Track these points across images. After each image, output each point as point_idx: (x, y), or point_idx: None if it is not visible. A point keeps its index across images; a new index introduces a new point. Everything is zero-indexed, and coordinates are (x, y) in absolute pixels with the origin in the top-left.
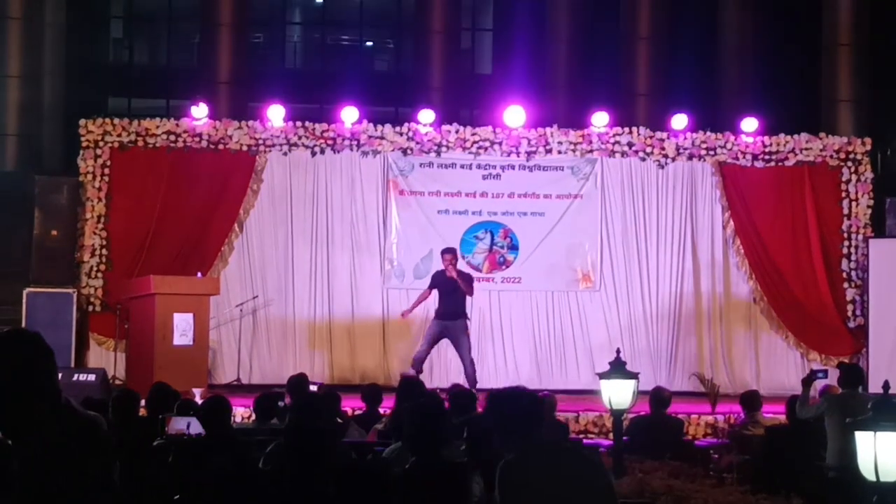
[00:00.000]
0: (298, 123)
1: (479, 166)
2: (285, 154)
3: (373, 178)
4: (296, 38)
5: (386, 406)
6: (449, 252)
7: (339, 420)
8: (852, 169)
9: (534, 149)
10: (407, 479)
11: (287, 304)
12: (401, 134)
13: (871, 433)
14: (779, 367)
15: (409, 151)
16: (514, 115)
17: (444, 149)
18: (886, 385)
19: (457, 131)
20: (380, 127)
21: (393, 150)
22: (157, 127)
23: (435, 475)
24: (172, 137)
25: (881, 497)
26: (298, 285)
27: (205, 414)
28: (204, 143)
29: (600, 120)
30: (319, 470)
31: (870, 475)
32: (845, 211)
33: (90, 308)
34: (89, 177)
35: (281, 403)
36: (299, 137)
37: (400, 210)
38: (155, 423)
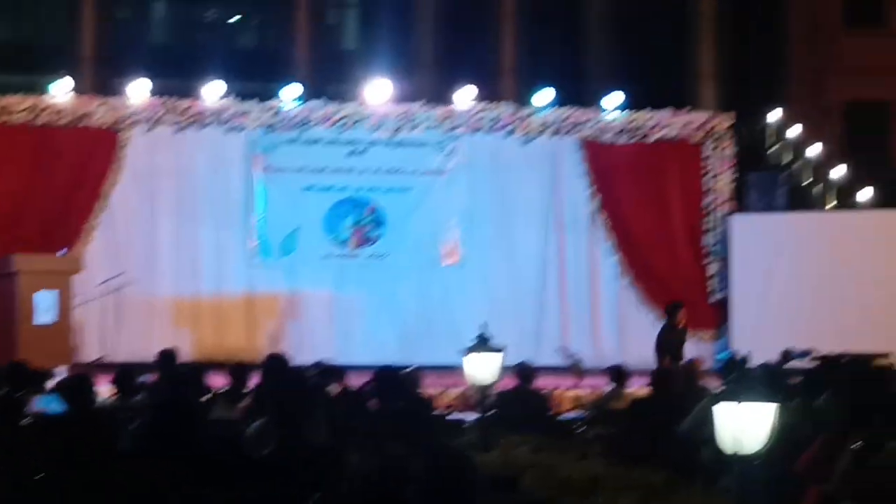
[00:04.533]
0: (163, 99)
1: (344, 142)
2: (149, 130)
3: (238, 155)
4: (161, 14)
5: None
6: None
7: (205, 396)
8: (714, 144)
9: (399, 125)
10: (271, 459)
11: (152, 282)
12: (266, 110)
13: (731, 405)
14: (644, 340)
15: (274, 128)
16: (380, 91)
17: (309, 125)
18: (786, 353)
19: (322, 108)
20: (245, 103)
21: (258, 127)
22: (18, 104)
23: (299, 455)
24: (34, 115)
25: (741, 468)
26: (163, 262)
27: (66, 392)
28: (66, 120)
29: (466, 96)
30: (187, 445)
31: (731, 446)
32: (707, 186)
33: None
34: None
35: (142, 379)
36: (163, 114)
37: (265, 186)
38: (14, 402)
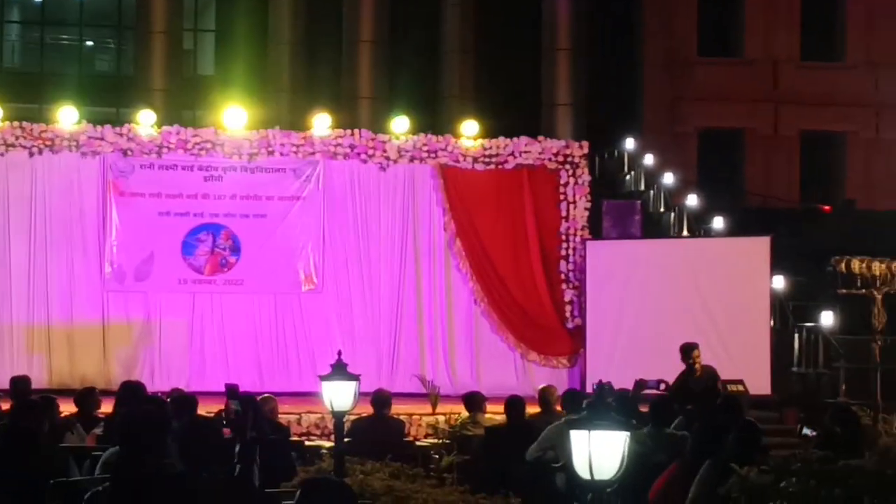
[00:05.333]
0: (16, 124)
1: (200, 168)
2: (2, 154)
3: (93, 180)
4: (14, 37)
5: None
6: None
7: (56, 424)
8: (570, 172)
9: (256, 151)
10: (115, 487)
11: (4, 307)
12: (121, 135)
13: (585, 432)
14: (499, 367)
15: (129, 153)
16: (236, 116)
17: (165, 150)
18: (599, 384)
19: (178, 133)
20: (99, 128)
21: (113, 152)
22: None
23: (151, 483)
24: None
25: (596, 495)
26: (16, 288)
27: None
28: None
29: (323, 122)
30: (31, 472)
31: (584, 473)
32: (563, 213)
33: None
34: None
35: None
36: (17, 138)
37: (120, 212)
38: None
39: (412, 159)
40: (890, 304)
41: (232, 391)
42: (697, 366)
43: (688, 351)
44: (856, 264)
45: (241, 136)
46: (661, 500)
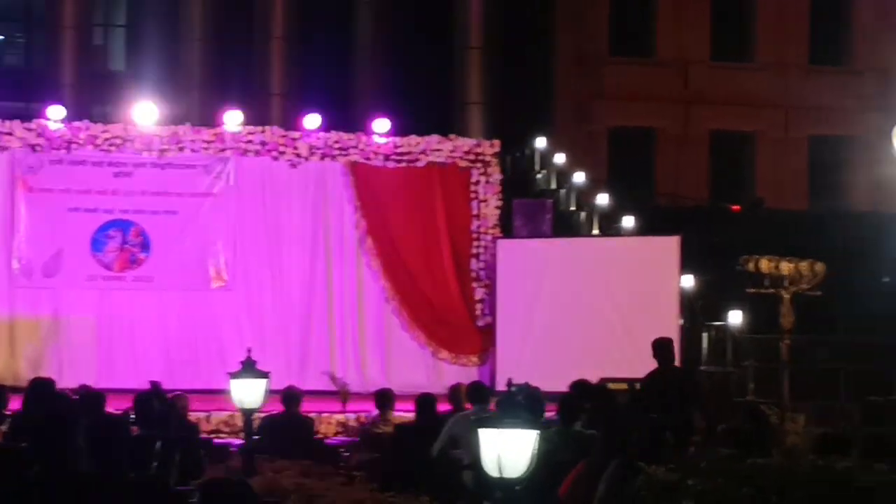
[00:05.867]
0: None
1: (110, 164)
2: None
3: (1, 175)
4: None
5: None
6: None
7: None
8: (481, 170)
9: (166, 147)
10: (35, 487)
11: None
12: (30, 130)
13: (494, 430)
14: (410, 365)
15: (38, 148)
16: (147, 112)
17: (74, 146)
18: (510, 383)
19: (87, 128)
20: (8, 122)
21: (22, 147)
22: None
23: (59, 481)
24: None
25: (504, 493)
26: None
27: None
28: None
29: (234, 119)
30: None
31: (494, 471)
32: (474, 211)
33: None
34: None
35: None
36: None
37: (29, 207)
38: None
39: (323, 157)
40: (798, 303)
41: (157, 389)
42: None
43: (668, 347)
44: (764, 263)
45: (152, 131)
46: (570, 498)
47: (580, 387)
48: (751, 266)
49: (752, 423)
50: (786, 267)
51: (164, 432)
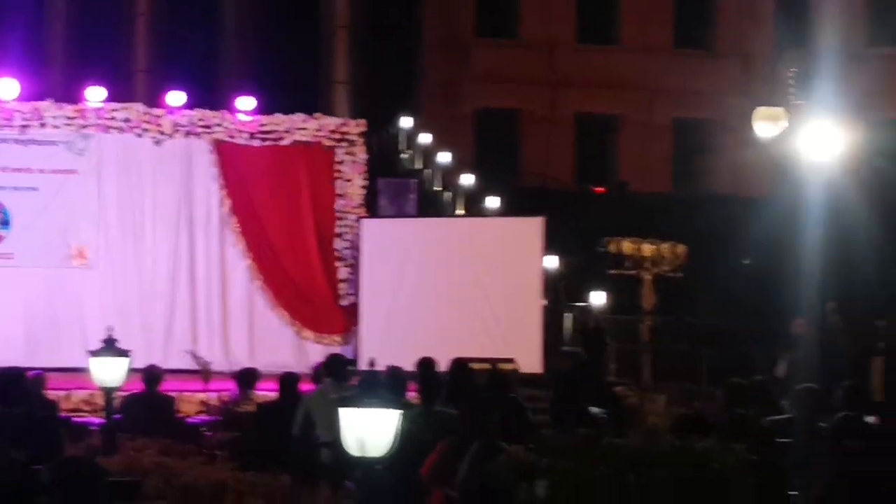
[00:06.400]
0: None
1: None
2: None
3: None
4: None
5: None
6: None
7: None
8: (347, 150)
9: (28, 122)
10: None
11: None
12: None
13: (356, 409)
14: (274, 344)
15: None
16: (8, 87)
17: None
18: (372, 362)
19: None
20: None
21: None
22: None
23: None
24: None
25: (366, 472)
26: None
27: None
28: None
29: (96, 95)
30: None
31: (355, 450)
32: (339, 191)
33: None
34: None
35: None
36: None
37: None
38: None
39: (188, 134)
40: (659, 285)
41: (15, 368)
42: None
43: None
44: (626, 245)
45: (13, 107)
46: (432, 478)
47: (426, 364)
48: (613, 248)
49: (610, 404)
50: (647, 249)
51: (23, 410)
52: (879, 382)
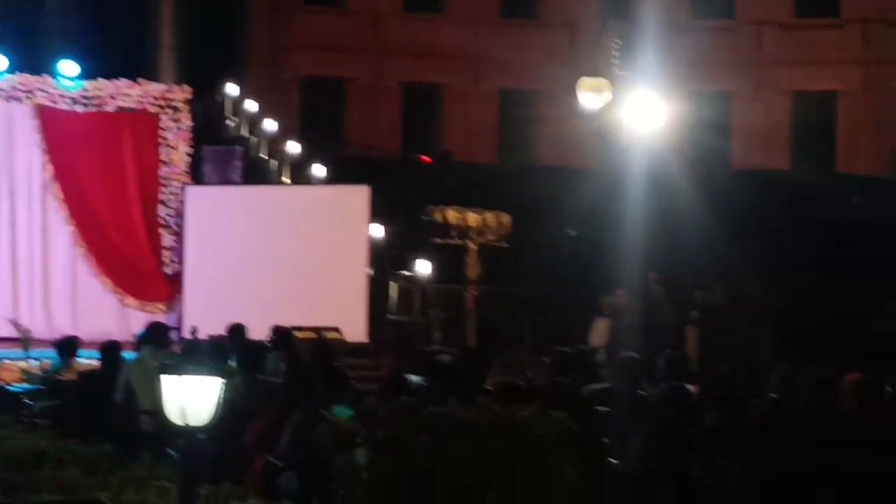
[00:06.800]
0: None
1: None
2: None
3: None
4: None
5: None
6: None
7: None
8: (171, 116)
9: None
10: None
11: None
12: None
13: (178, 378)
14: (97, 312)
15: None
16: None
17: None
18: (194, 330)
19: None
20: None
21: None
22: None
23: None
24: None
25: (188, 440)
26: None
27: None
28: None
29: None
30: None
31: (177, 419)
32: (164, 158)
33: None
34: None
35: None
36: None
37: None
38: None
39: (9, 98)
40: (484, 255)
41: None
42: None
43: None
44: (451, 214)
45: None
46: (255, 446)
47: (237, 330)
48: (438, 217)
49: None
50: (472, 218)
51: None
52: (695, 352)
